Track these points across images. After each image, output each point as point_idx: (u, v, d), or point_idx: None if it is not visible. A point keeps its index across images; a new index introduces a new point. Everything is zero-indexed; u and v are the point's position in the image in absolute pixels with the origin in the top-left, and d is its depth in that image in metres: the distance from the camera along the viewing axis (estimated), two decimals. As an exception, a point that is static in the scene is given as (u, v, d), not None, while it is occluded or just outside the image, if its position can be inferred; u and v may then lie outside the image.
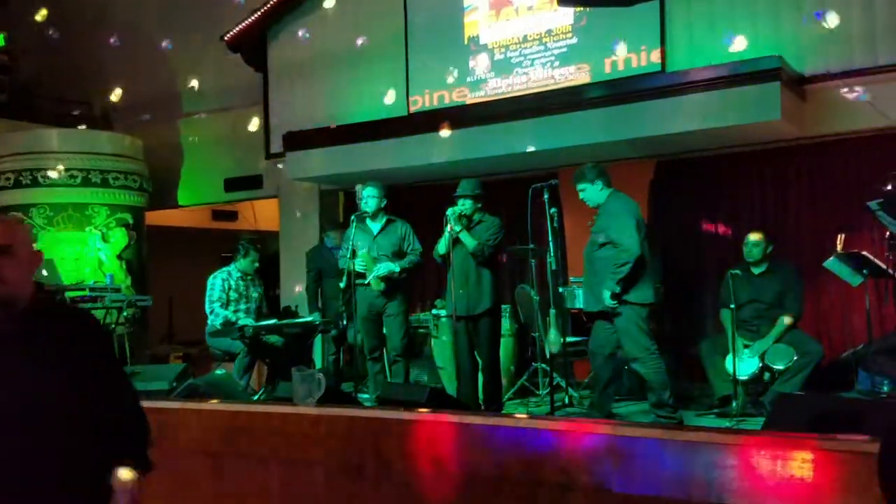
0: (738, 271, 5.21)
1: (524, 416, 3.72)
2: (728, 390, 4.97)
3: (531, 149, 6.19)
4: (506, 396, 5.61)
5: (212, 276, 6.14)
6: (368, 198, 5.40)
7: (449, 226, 5.01)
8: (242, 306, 6.11)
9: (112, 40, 6.93)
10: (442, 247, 5.10)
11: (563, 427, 2.93)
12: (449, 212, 5.04)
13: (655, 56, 6.13)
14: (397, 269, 5.32)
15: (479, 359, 5.16)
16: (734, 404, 4.86)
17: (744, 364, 4.88)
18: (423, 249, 5.49)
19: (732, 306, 5.03)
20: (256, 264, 6.21)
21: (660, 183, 6.60)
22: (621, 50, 5.93)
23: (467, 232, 5.04)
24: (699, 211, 6.46)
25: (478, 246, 5.01)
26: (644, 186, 6.56)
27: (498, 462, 2.99)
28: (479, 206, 5.15)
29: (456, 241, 5.03)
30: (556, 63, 6.53)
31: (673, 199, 6.54)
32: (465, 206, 5.09)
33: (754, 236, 5.21)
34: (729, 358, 4.92)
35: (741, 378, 4.86)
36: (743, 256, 5.25)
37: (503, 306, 5.71)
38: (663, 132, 5.78)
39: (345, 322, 6.00)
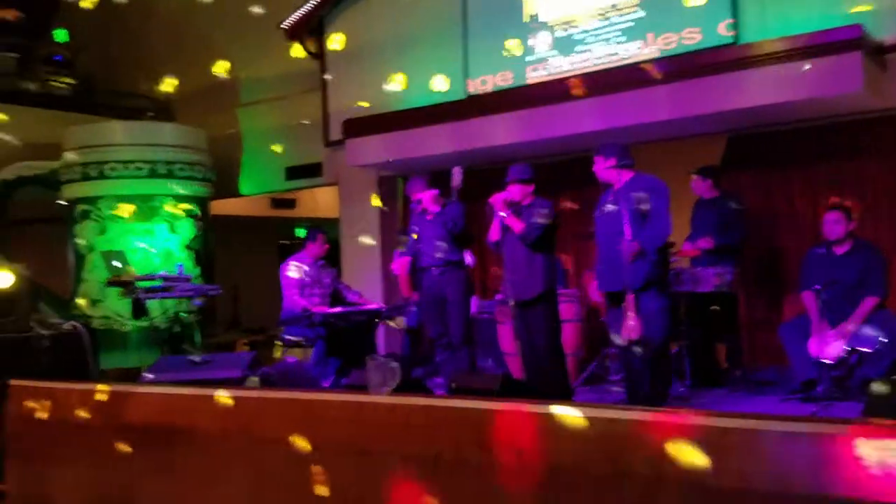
0: (819, 250, 5.00)
1: (605, 405, 3.61)
2: (811, 374, 4.79)
3: (595, 128, 6.03)
4: (576, 383, 5.52)
5: (283, 263, 6.15)
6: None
7: (496, 212, 4.93)
8: (317, 292, 6.10)
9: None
10: (494, 233, 5.02)
11: (649, 417, 2.82)
12: (493, 198, 4.97)
13: (726, 28, 5.89)
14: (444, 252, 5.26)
15: (540, 345, 5.08)
16: (819, 388, 4.67)
17: (828, 347, 4.68)
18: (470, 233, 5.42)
19: (814, 287, 4.84)
20: (325, 247, 6.18)
21: (732, 160, 6.36)
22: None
23: (516, 217, 4.96)
24: (774, 188, 6.22)
25: (524, 230, 4.92)
26: (714, 163, 6.33)
27: (579, 452, 2.90)
28: (531, 190, 5.05)
29: (507, 226, 4.96)
30: (622, 38, 6.33)
31: (746, 177, 6.31)
32: (513, 191, 5.00)
33: (834, 214, 4.99)
34: (811, 340, 4.73)
35: (826, 361, 4.66)
36: (822, 235, 5.03)
37: (572, 292, 5.60)
38: (736, 107, 5.56)
39: (411, 308, 5.98)
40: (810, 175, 6.10)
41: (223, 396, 3.59)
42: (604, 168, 4.75)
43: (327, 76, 8.15)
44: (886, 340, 4.57)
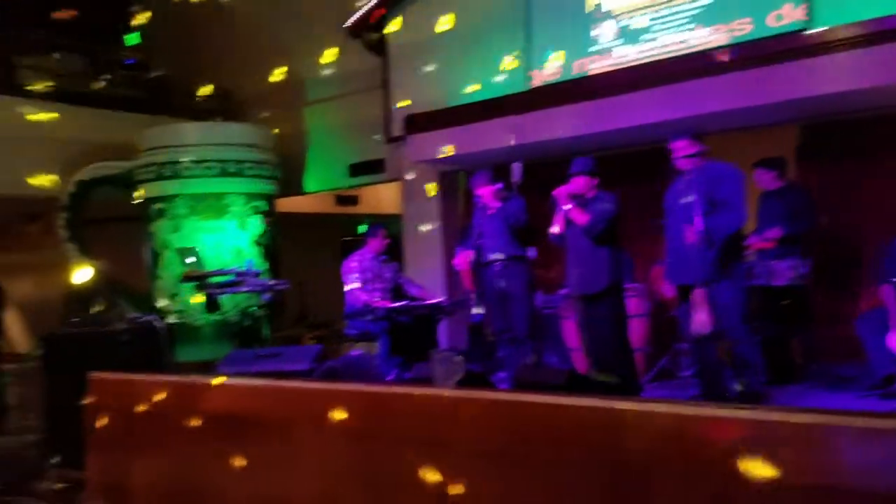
0: (900, 242, 4.79)
1: (679, 401, 3.55)
2: (891, 369, 4.61)
3: (664, 118, 5.91)
4: (645, 379, 5.43)
5: (345, 260, 6.24)
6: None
7: (559, 205, 4.87)
8: (378, 286, 6.16)
9: None
10: (557, 227, 4.96)
11: (723, 413, 2.74)
12: (556, 191, 4.90)
13: (799, 12, 5.68)
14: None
15: (606, 340, 5.01)
16: (899, 385, 4.49)
17: (909, 342, 4.48)
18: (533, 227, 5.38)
19: (894, 280, 4.64)
20: (385, 242, 6.23)
21: (805, 149, 6.15)
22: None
23: (580, 209, 4.89)
24: (850, 178, 5.98)
25: (589, 223, 4.85)
26: (788, 153, 6.13)
27: (649, 450, 2.85)
28: (595, 183, 4.98)
29: (570, 220, 4.90)
30: (689, 26, 6.18)
31: (821, 166, 6.08)
32: (576, 184, 4.93)
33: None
34: (890, 335, 4.54)
35: (906, 357, 4.47)
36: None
37: (639, 285, 5.51)
38: (809, 94, 5.37)
39: (473, 303, 5.97)
40: (889, 164, 5.84)
41: (292, 386, 3.67)
42: (684, 155, 4.59)
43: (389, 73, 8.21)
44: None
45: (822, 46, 5.27)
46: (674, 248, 4.63)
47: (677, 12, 6.24)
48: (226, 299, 5.71)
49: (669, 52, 6.25)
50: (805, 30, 5.59)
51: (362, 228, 6.60)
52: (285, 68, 6.43)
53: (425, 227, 7.69)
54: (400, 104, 7.43)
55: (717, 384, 4.53)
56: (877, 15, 5.14)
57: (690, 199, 4.44)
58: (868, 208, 5.90)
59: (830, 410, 2.52)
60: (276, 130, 9.28)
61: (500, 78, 7.02)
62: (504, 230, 5.32)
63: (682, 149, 4.59)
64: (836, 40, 5.22)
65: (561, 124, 6.46)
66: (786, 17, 5.72)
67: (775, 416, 2.61)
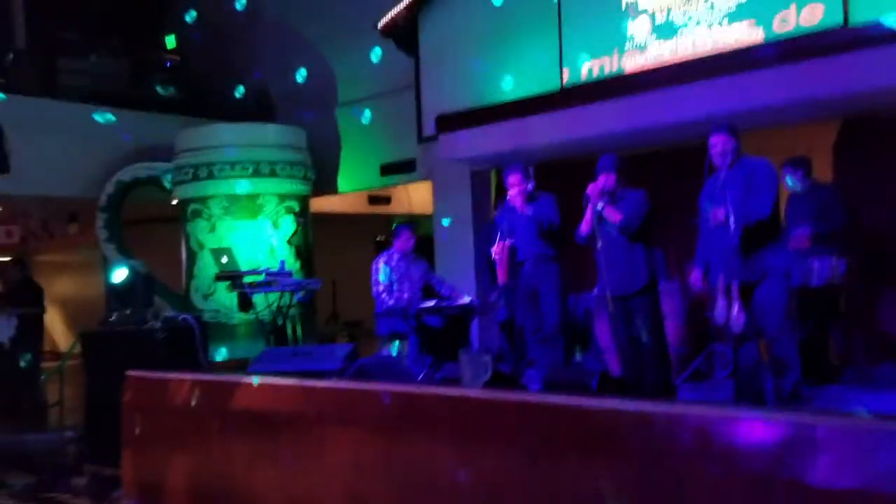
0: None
1: (711, 403, 3.49)
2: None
3: (698, 116, 5.82)
4: (680, 380, 5.36)
5: (374, 260, 6.27)
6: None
7: (591, 203, 4.82)
8: (406, 286, 6.16)
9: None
10: (587, 225, 4.90)
11: (756, 416, 2.69)
12: (589, 188, 4.84)
13: (836, 8, 5.55)
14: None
15: (641, 340, 4.95)
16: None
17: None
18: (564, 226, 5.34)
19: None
20: (411, 242, 6.22)
21: (845, 145, 6.01)
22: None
23: (611, 207, 4.82)
24: (889, 174, 5.83)
25: (624, 220, 4.78)
26: (827, 150, 6.01)
27: (682, 454, 2.81)
28: (622, 180, 4.91)
29: (600, 218, 4.82)
30: (725, 21, 6.07)
31: (861, 163, 5.94)
32: (608, 180, 4.87)
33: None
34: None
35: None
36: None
37: (675, 284, 5.44)
38: (848, 91, 5.25)
39: (504, 303, 5.95)
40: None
41: (323, 385, 3.69)
42: (724, 150, 4.46)
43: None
44: None
45: (860, 41, 5.14)
46: (710, 245, 4.54)
47: (712, 9, 6.14)
48: (259, 298, 5.76)
49: (704, 48, 6.15)
50: (842, 26, 5.46)
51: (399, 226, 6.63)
52: (304, 71, 6.45)
53: (444, 220, 7.68)
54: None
55: (753, 385, 4.45)
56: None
57: (722, 194, 4.38)
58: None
59: (870, 414, 2.45)
60: (305, 131, 9.34)
61: (533, 75, 6.99)
62: (534, 230, 5.28)
63: (719, 143, 4.50)
64: (873, 36, 5.09)
65: (594, 122, 6.40)
66: (823, 12, 5.60)
67: (811, 419, 2.56)
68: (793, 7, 5.64)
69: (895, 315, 5.10)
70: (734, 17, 6.02)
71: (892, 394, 4.73)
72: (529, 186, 5.36)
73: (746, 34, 5.92)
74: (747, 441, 2.62)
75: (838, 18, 5.52)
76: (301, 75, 7.17)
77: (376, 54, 6.44)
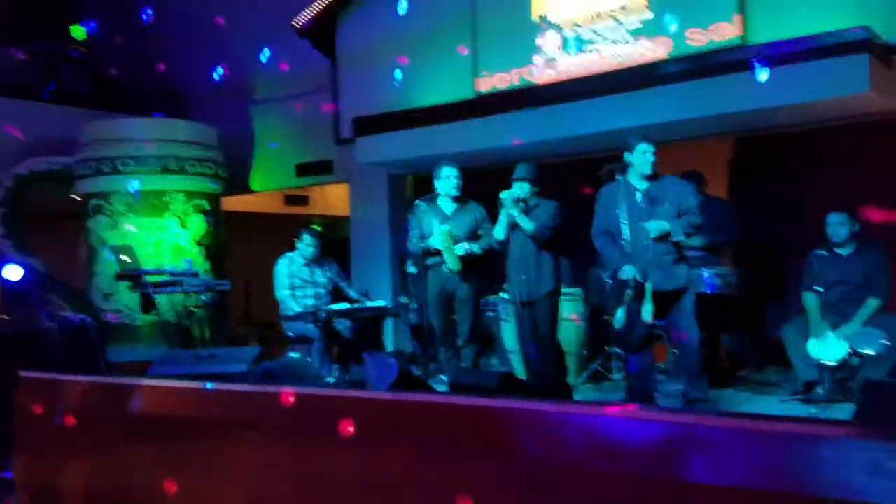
0: (822, 252, 4.99)
1: (598, 402, 3.64)
2: (813, 376, 4.80)
3: (603, 129, 6.05)
4: (579, 381, 5.54)
5: (276, 263, 6.15)
6: (451, 177, 5.35)
7: (505, 210, 4.94)
8: (310, 291, 6.06)
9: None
10: (500, 232, 5.03)
11: (639, 415, 2.83)
12: (504, 195, 4.96)
13: (735, 29, 5.88)
14: (477, 250, 5.26)
15: (545, 343, 5.11)
16: (820, 390, 4.67)
17: (830, 348, 4.67)
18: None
19: (816, 288, 4.84)
20: (311, 248, 6.09)
21: (739, 161, 6.36)
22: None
23: (525, 216, 4.96)
24: (781, 189, 6.20)
25: (537, 228, 4.93)
26: (723, 164, 6.34)
27: (574, 451, 2.92)
28: (536, 189, 5.07)
29: (514, 225, 4.97)
30: (631, 39, 6.33)
31: (753, 178, 6.30)
32: (522, 189, 5.01)
33: (837, 216, 4.98)
34: (813, 342, 4.73)
35: (828, 363, 4.66)
36: (826, 237, 5.03)
37: (577, 290, 5.61)
38: (744, 108, 5.56)
39: (416, 306, 6.01)
40: (819, 177, 6.08)
41: (227, 389, 3.65)
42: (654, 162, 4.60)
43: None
44: (888, 343, 4.56)
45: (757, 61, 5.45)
46: (637, 255, 4.55)
47: (619, 25, 6.40)
48: (163, 299, 5.62)
49: (611, 64, 6.40)
50: (740, 46, 5.79)
51: (316, 228, 6.56)
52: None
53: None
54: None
55: (646, 388, 4.66)
56: (808, 33, 5.35)
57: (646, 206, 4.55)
58: (796, 219, 6.12)
59: (754, 416, 2.63)
60: (217, 129, 9.16)
61: (448, 83, 7.09)
62: (456, 230, 5.34)
63: (655, 154, 4.63)
64: (769, 56, 5.40)
65: (506, 132, 6.54)
66: (723, 32, 5.91)
67: (693, 419, 2.71)
68: (696, 27, 5.93)
69: (780, 323, 5.41)
70: (639, 34, 6.29)
71: (776, 397, 5.02)
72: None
73: (651, 51, 6.20)
74: (632, 439, 2.76)
75: (736, 40, 5.85)
76: (218, 73, 7.04)
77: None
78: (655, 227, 4.43)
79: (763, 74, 5.01)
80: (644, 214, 4.49)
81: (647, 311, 4.42)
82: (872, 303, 4.77)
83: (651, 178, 4.58)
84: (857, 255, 4.93)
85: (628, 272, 4.42)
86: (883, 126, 5.75)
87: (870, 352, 4.60)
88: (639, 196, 4.57)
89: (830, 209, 5.11)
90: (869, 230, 5.25)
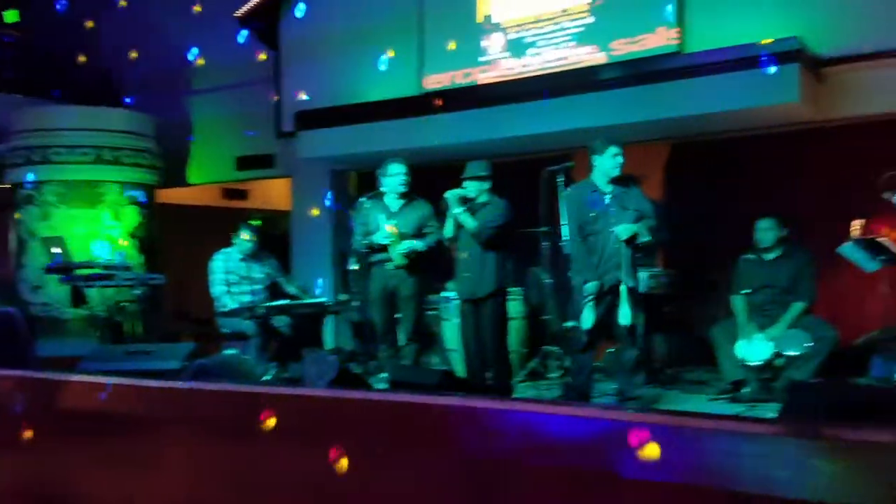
0: (750, 256, 5.16)
1: (537, 399, 3.70)
2: (739, 375, 4.96)
3: (544, 130, 6.13)
4: (517, 379, 5.60)
5: (211, 259, 6.02)
6: (398, 174, 5.33)
7: (450, 208, 4.97)
8: (246, 287, 5.94)
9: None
10: (449, 230, 5.05)
11: (577, 412, 2.89)
12: (448, 194, 4.98)
13: (672, 37, 6.04)
14: (422, 247, 5.25)
15: (486, 342, 5.15)
16: (746, 390, 4.84)
17: (756, 350, 4.84)
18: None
19: (744, 292, 5.00)
20: (249, 243, 5.98)
21: (674, 165, 6.53)
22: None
23: (470, 214, 4.99)
24: (714, 194, 6.39)
25: (478, 227, 4.97)
26: (659, 168, 6.50)
27: (509, 447, 2.96)
28: (487, 187, 5.10)
29: (459, 224, 5.00)
30: (572, 43, 6.43)
31: (687, 182, 6.48)
32: (468, 187, 5.03)
33: (765, 221, 5.16)
34: (740, 343, 4.89)
35: (753, 364, 4.83)
36: (754, 241, 5.20)
37: (516, 289, 5.67)
38: (680, 114, 5.72)
39: (357, 303, 5.98)
40: (750, 182, 6.28)
41: (158, 385, 3.57)
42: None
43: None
44: (812, 344, 4.75)
45: (691, 70, 5.61)
46: (604, 257, 4.70)
47: (560, 29, 6.49)
48: (93, 293, 5.46)
49: (553, 67, 6.49)
50: (676, 53, 5.95)
51: (255, 223, 6.44)
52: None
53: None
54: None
55: (585, 386, 4.75)
56: (742, 42, 5.53)
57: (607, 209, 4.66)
58: (726, 223, 6.32)
59: (683, 413, 2.71)
60: (155, 119, 8.94)
61: (393, 80, 7.07)
62: (402, 228, 5.32)
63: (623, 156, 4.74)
64: (703, 64, 5.58)
65: (449, 130, 6.57)
66: (661, 40, 6.06)
67: (626, 416, 2.78)
68: (635, 34, 6.06)
69: (710, 324, 5.58)
70: (581, 38, 6.40)
71: (704, 396, 5.16)
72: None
73: (590, 56, 6.31)
74: (566, 436, 2.81)
75: (673, 47, 6.01)
76: (154, 61, 6.87)
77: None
78: (625, 230, 4.55)
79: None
80: (612, 219, 4.63)
81: (626, 315, 4.53)
82: (798, 306, 4.95)
83: (616, 180, 4.68)
84: (785, 260, 5.11)
85: (591, 288, 4.58)
86: (811, 135, 5.99)
87: (794, 353, 4.78)
88: (608, 199, 4.69)
89: (760, 214, 5.29)
90: (797, 235, 5.46)
